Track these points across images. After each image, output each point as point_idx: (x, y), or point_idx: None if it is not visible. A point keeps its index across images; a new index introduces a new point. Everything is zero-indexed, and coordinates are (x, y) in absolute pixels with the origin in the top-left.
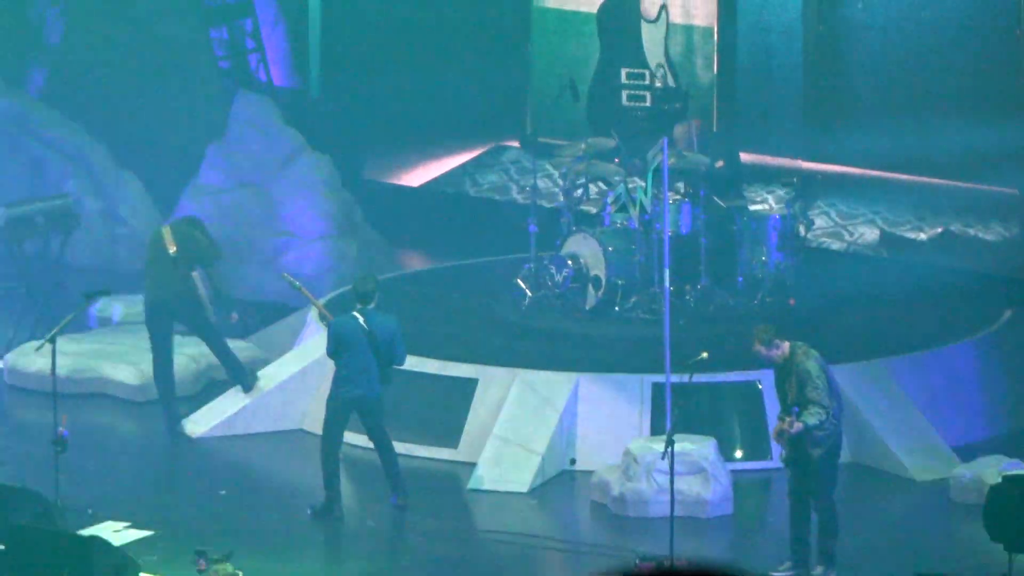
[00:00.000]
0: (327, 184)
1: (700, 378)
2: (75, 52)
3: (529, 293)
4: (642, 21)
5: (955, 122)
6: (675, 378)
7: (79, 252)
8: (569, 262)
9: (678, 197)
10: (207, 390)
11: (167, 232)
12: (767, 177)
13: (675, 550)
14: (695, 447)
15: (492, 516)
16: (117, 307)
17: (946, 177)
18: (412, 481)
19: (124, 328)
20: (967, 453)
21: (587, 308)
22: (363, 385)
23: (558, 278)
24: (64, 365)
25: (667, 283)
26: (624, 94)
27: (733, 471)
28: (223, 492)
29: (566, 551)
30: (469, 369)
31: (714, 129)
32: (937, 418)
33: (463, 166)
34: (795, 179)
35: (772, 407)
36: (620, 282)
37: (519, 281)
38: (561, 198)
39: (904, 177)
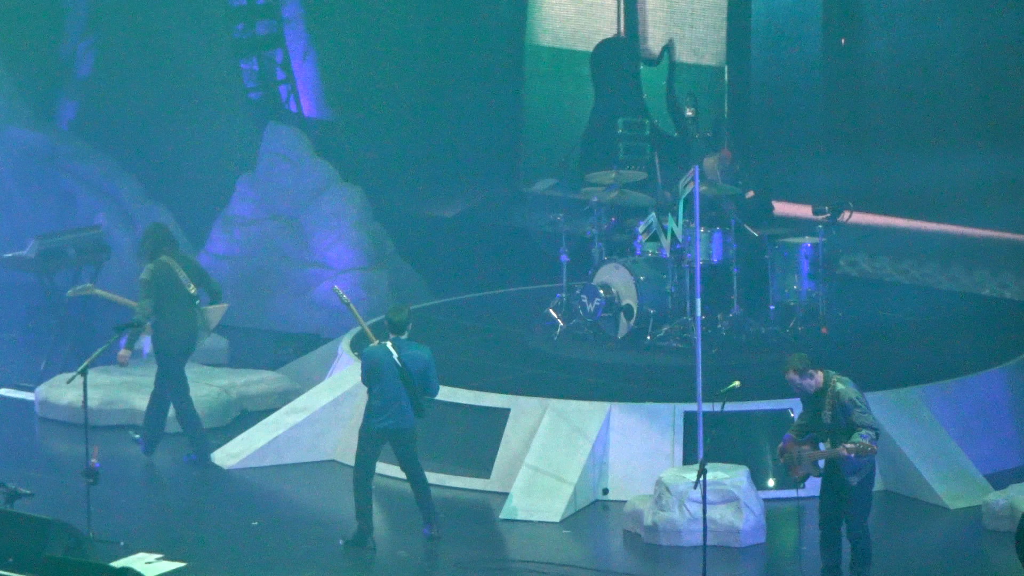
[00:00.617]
0: (358, 215)
1: (732, 407)
2: (105, 85)
3: (561, 323)
4: (642, 64)
5: (976, 158)
6: (707, 407)
7: (110, 284)
8: (601, 291)
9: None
10: (239, 421)
11: (176, 267)
12: (793, 224)
13: None
14: (728, 476)
15: (525, 546)
16: (147, 339)
17: (970, 224)
18: (444, 511)
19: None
20: (999, 480)
21: (619, 337)
22: (395, 415)
23: (590, 307)
24: (95, 397)
25: (699, 312)
26: (621, 146)
27: (766, 500)
28: (255, 523)
29: None
30: (501, 399)
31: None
32: (969, 445)
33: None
34: (826, 207)
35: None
36: (652, 311)
37: (551, 311)
38: (592, 228)
39: (929, 226)
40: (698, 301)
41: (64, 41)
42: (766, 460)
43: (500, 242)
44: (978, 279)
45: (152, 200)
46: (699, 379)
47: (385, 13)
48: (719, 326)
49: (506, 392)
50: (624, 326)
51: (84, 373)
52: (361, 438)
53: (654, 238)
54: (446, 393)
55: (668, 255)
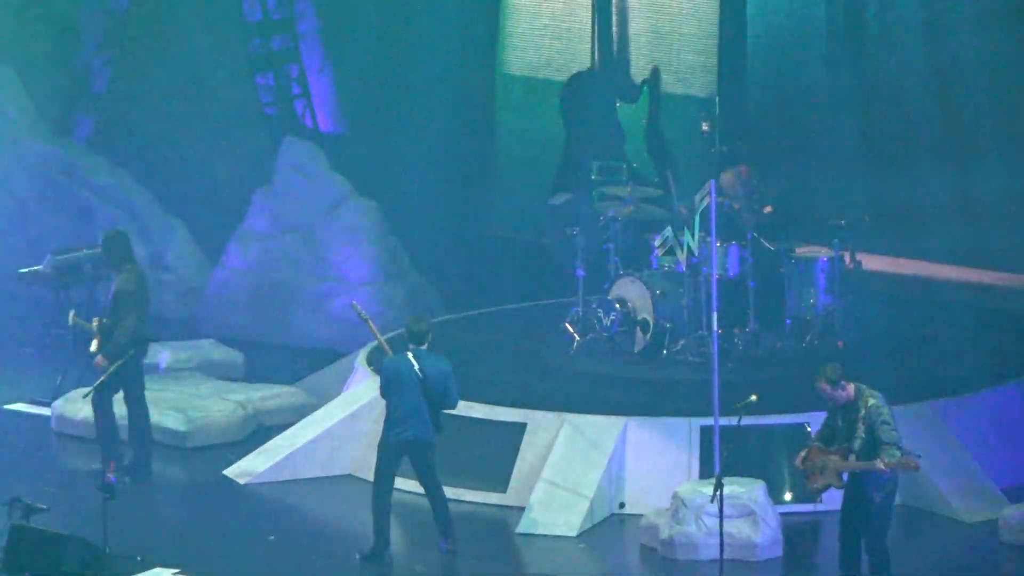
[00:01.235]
0: (374, 230)
1: (749, 421)
2: (122, 100)
3: (577, 337)
4: (619, 101)
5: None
6: (724, 421)
7: None
8: (617, 306)
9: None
10: (255, 436)
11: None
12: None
13: None
14: (744, 490)
15: (541, 560)
16: (164, 354)
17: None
18: (461, 525)
19: (171, 375)
20: (1016, 494)
21: (635, 351)
22: (414, 427)
23: (606, 322)
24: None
25: (715, 326)
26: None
27: (782, 514)
28: (272, 538)
29: None
30: (517, 413)
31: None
32: (986, 459)
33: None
34: (842, 221)
35: None
36: (668, 325)
37: (567, 325)
38: (609, 242)
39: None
40: (714, 315)
41: (81, 56)
42: (783, 474)
43: (516, 256)
44: (996, 293)
45: (168, 214)
46: (716, 393)
47: (401, 28)
48: (735, 340)
49: (523, 407)
50: (640, 340)
51: (100, 389)
52: (380, 451)
53: (670, 252)
54: (463, 408)
55: (684, 269)
